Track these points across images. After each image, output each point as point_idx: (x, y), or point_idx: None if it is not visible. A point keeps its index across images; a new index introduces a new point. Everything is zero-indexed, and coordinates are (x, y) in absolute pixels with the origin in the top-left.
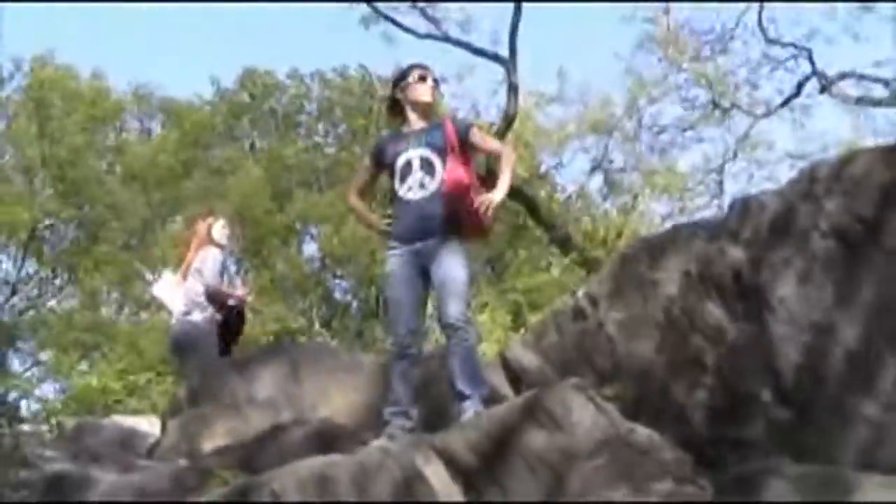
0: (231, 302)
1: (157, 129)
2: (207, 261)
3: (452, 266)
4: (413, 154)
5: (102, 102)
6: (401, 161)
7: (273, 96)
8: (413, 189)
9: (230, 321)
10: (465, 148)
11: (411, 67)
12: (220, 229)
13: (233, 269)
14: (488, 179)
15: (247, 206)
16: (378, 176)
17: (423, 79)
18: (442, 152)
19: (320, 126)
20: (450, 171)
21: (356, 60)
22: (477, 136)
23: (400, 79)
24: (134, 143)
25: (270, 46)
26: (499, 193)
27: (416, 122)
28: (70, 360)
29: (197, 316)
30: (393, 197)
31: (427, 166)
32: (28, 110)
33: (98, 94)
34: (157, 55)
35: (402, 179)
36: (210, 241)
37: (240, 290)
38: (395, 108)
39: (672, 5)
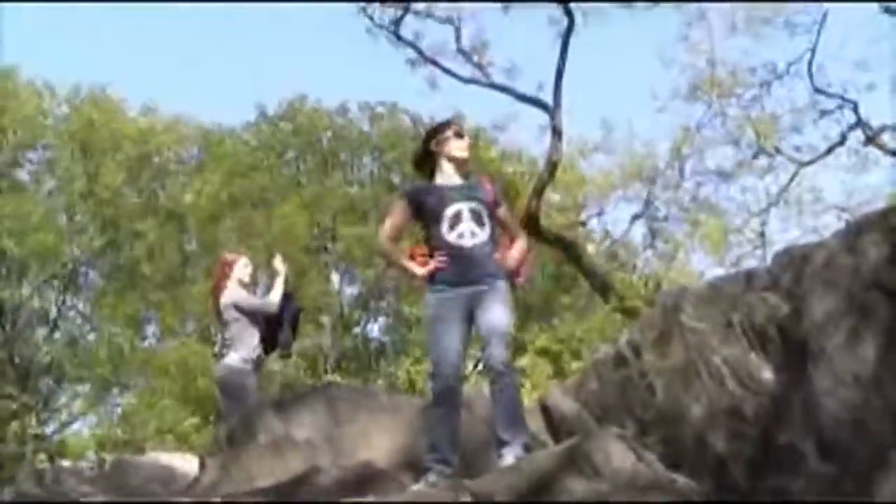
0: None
1: (198, 160)
2: (236, 299)
3: (499, 311)
4: (463, 206)
5: (147, 142)
6: (449, 211)
7: (319, 129)
8: (465, 236)
9: (286, 316)
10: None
11: (448, 123)
12: (241, 268)
13: None
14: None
15: (284, 243)
16: (409, 219)
17: (459, 135)
18: (487, 207)
19: (365, 161)
20: (493, 232)
21: (400, 97)
22: (505, 209)
23: (435, 132)
24: (174, 182)
25: (310, 74)
26: (516, 256)
27: (451, 175)
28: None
29: (231, 357)
30: (439, 244)
31: (476, 217)
32: (74, 147)
33: (143, 134)
34: (194, 76)
35: (452, 227)
36: (228, 280)
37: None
38: (425, 161)
39: (717, 49)
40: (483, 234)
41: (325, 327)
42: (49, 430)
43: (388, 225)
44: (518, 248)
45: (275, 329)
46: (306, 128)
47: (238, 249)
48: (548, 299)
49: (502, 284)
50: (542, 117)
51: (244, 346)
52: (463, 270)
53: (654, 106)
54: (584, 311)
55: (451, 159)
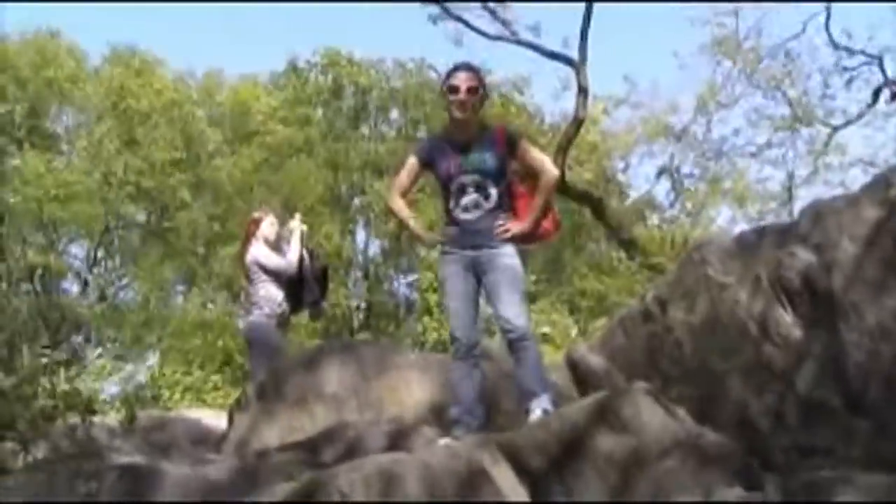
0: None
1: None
2: (258, 257)
3: (507, 275)
4: (466, 179)
5: (182, 108)
6: (454, 185)
7: (352, 82)
8: (469, 209)
9: (306, 274)
10: (513, 157)
11: (448, 75)
12: (267, 226)
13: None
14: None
15: (299, 195)
16: (421, 176)
17: (453, 90)
18: (493, 175)
19: (392, 114)
20: (501, 194)
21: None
22: (523, 151)
23: (442, 83)
24: (209, 153)
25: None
26: (523, 225)
27: (456, 132)
28: (140, 351)
29: (255, 314)
30: (447, 212)
31: (480, 189)
32: (109, 114)
33: (176, 104)
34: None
35: (457, 200)
36: (254, 238)
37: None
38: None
39: (739, 8)
40: (488, 205)
41: (350, 284)
42: (80, 386)
43: (398, 181)
44: (536, 207)
45: (298, 288)
46: (336, 81)
47: (265, 208)
48: (563, 255)
49: (508, 249)
50: (560, 77)
51: (268, 303)
52: (466, 238)
53: (677, 64)
54: (601, 268)
55: (451, 118)
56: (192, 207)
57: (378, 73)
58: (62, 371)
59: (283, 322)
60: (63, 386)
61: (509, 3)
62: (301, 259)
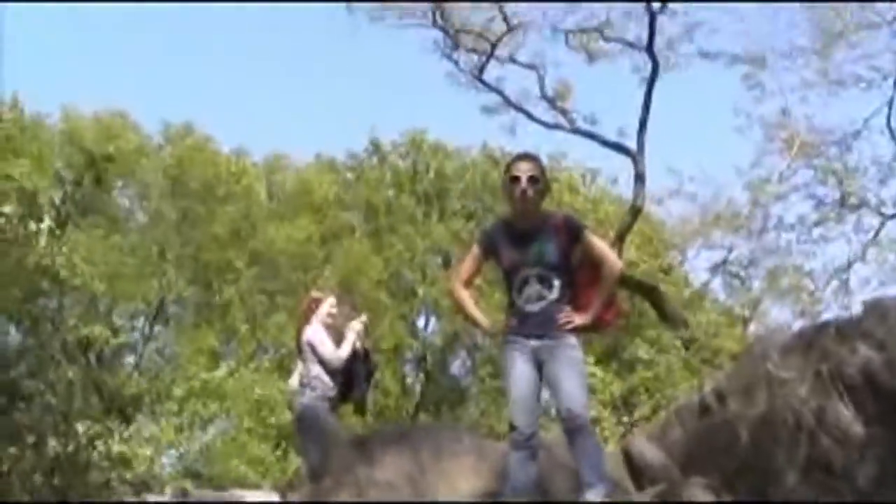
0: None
1: (288, 202)
2: (313, 340)
3: (568, 364)
4: (530, 272)
5: (239, 182)
6: (517, 277)
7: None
8: (531, 301)
9: (358, 367)
10: (575, 247)
11: (509, 164)
12: (327, 308)
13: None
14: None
15: (355, 280)
16: (484, 265)
17: (515, 180)
18: (556, 267)
19: (470, 204)
20: (564, 284)
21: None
22: (586, 242)
23: (504, 171)
24: (265, 224)
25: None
26: (585, 318)
27: (518, 221)
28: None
29: (308, 395)
30: (510, 302)
31: (543, 281)
32: (166, 188)
33: (235, 176)
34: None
35: (520, 291)
36: (311, 318)
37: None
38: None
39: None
40: (551, 296)
41: (408, 370)
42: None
43: (462, 269)
44: (599, 298)
45: (346, 381)
46: (416, 165)
47: (325, 289)
48: (618, 346)
49: (570, 340)
50: (615, 168)
51: (321, 385)
52: (529, 328)
53: (737, 173)
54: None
55: (512, 208)
56: (244, 277)
57: (461, 160)
58: (117, 437)
59: (334, 406)
60: (118, 447)
61: (567, 94)
62: (355, 354)
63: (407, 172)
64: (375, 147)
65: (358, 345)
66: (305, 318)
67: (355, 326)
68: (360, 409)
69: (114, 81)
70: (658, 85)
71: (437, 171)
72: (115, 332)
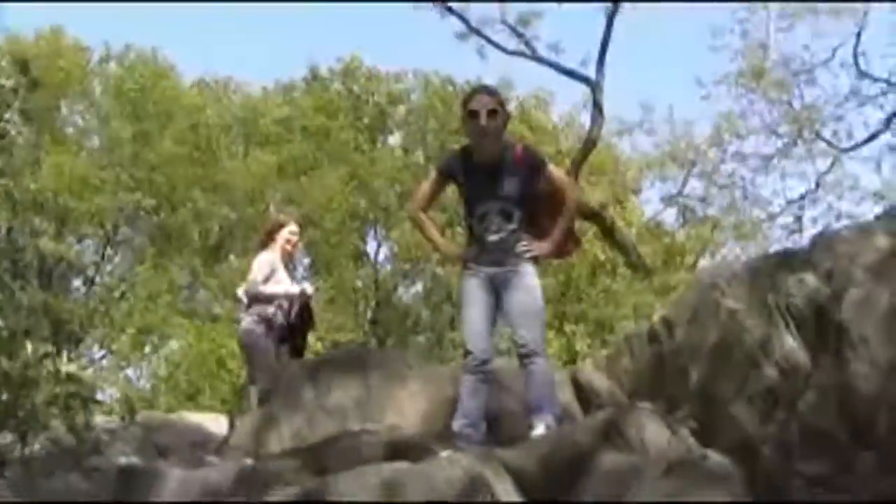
0: (285, 294)
1: (241, 128)
2: (254, 265)
3: (525, 294)
4: (491, 205)
5: (200, 112)
6: (479, 209)
7: (373, 93)
8: (490, 231)
9: (294, 321)
10: (535, 179)
11: (467, 98)
12: (287, 234)
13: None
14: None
15: (322, 212)
16: (443, 190)
17: (473, 114)
18: (516, 199)
19: (415, 129)
20: (523, 215)
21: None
22: (547, 175)
23: (462, 105)
24: (222, 153)
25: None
26: (546, 246)
27: (478, 153)
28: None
29: (245, 320)
30: (469, 230)
31: (504, 213)
32: (124, 110)
33: (195, 108)
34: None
35: (480, 221)
36: (266, 245)
37: (293, 289)
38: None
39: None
40: (511, 226)
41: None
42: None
43: (421, 193)
44: (559, 229)
45: (293, 332)
46: (358, 92)
47: (289, 211)
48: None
49: (528, 268)
50: (574, 97)
51: (255, 313)
52: (489, 256)
53: (695, 92)
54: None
55: (472, 142)
56: (200, 206)
57: (400, 86)
58: (66, 358)
59: (282, 338)
60: (67, 367)
61: (532, 20)
62: (298, 316)
63: (348, 99)
64: (315, 76)
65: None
66: (266, 240)
67: (307, 289)
68: (297, 355)
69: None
70: (630, 17)
71: (379, 98)
72: (70, 249)
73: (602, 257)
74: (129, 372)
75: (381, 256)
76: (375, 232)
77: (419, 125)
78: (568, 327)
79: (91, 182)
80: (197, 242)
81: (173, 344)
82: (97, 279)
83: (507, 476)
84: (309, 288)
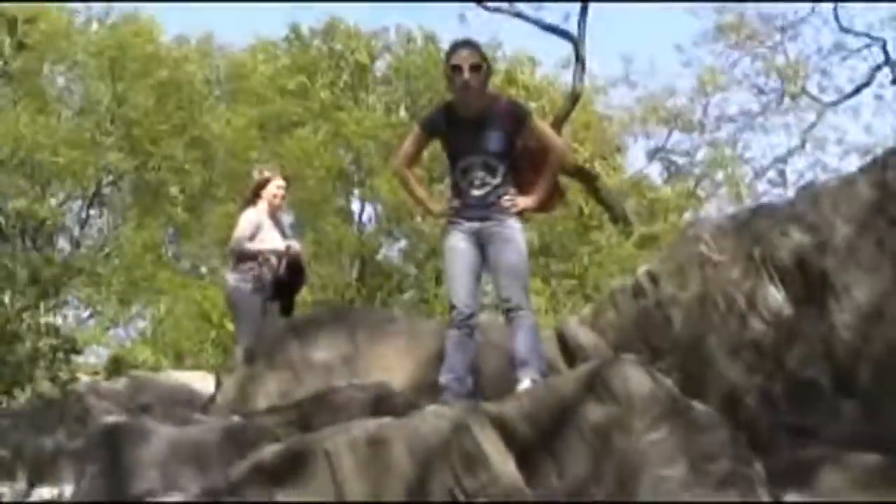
0: (272, 251)
1: (224, 87)
2: (240, 221)
3: (510, 249)
4: (475, 159)
5: (178, 68)
6: (462, 163)
7: (354, 50)
8: (475, 186)
9: (282, 278)
10: (520, 133)
11: (449, 53)
12: (273, 189)
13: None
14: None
15: (304, 168)
16: (426, 146)
17: (457, 69)
18: (501, 154)
19: (396, 86)
20: (508, 169)
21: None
22: (532, 128)
23: (445, 60)
24: (203, 110)
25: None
26: (531, 200)
27: (462, 108)
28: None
29: (232, 278)
30: (454, 185)
31: (488, 167)
32: (103, 66)
33: (175, 61)
34: None
35: (464, 176)
36: (252, 201)
37: (280, 245)
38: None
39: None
40: (495, 181)
41: (346, 263)
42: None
43: (404, 150)
44: (543, 183)
45: (280, 288)
46: (340, 50)
47: (274, 166)
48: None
49: (512, 223)
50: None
51: (241, 270)
52: (473, 211)
53: (677, 51)
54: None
55: (455, 96)
56: (180, 162)
57: (380, 43)
58: (47, 311)
59: (270, 295)
60: (44, 318)
61: None
62: (287, 266)
63: (330, 57)
64: (297, 34)
65: (285, 244)
66: (253, 196)
67: (294, 245)
68: (287, 313)
69: None
70: None
71: (360, 56)
72: (53, 211)
73: (587, 211)
74: (116, 332)
75: (365, 216)
76: (359, 191)
77: (402, 82)
78: (554, 281)
79: (71, 141)
80: (178, 199)
81: (160, 304)
82: (81, 241)
83: (493, 428)
84: (296, 244)
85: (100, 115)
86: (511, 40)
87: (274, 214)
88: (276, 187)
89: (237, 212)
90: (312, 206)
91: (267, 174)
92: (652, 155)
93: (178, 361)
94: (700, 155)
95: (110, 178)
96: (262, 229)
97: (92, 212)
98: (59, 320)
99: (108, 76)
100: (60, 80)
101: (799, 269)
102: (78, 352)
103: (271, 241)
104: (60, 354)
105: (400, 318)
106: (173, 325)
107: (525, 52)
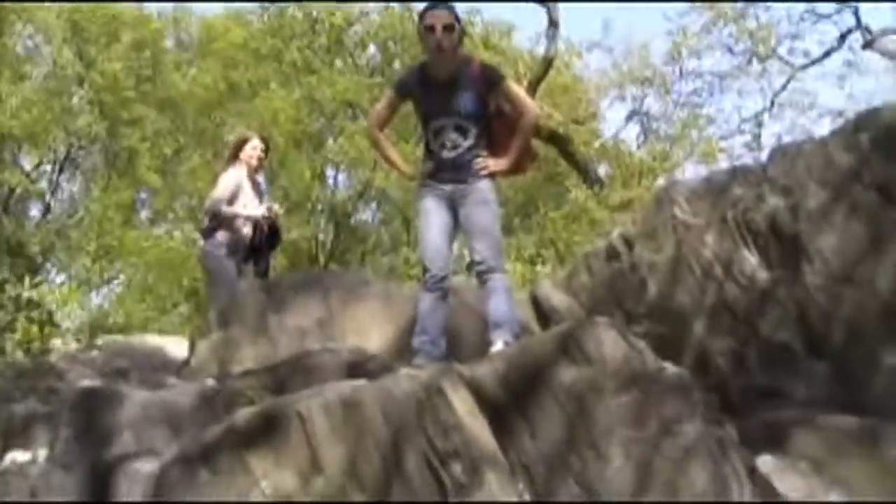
0: (249, 216)
1: (195, 49)
2: (219, 182)
3: (482, 211)
4: (447, 121)
5: (143, 28)
6: (434, 124)
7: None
8: (447, 148)
9: (258, 241)
10: (493, 95)
11: (423, 14)
12: (249, 150)
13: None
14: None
15: (271, 130)
16: (399, 108)
17: (430, 29)
18: (473, 116)
19: (371, 52)
20: (480, 132)
21: None
22: (505, 90)
23: (418, 20)
24: (171, 70)
25: None
26: (503, 163)
27: (435, 69)
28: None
29: (208, 242)
30: (426, 147)
31: (460, 129)
32: (65, 31)
33: (139, 21)
34: None
35: (436, 138)
36: (231, 162)
37: (257, 212)
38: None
39: None
40: (467, 143)
41: (318, 221)
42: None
43: (377, 112)
44: (516, 146)
45: (254, 252)
46: (315, 16)
47: (251, 128)
48: (537, 201)
49: (485, 185)
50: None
51: (215, 234)
52: (445, 173)
53: (657, 16)
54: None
55: (429, 57)
56: (149, 122)
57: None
58: (27, 284)
59: (244, 257)
60: (26, 292)
61: None
62: (260, 228)
63: (305, 22)
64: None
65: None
66: (232, 158)
67: (274, 208)
68: (263, 275)
69: None
70: None
71: (336, 24)
72: (28, 176)
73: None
74: (90, 297)
75: (339, 181)
76: (330, 155)
77: (378, 46)
78: (528, 239)
79: (39, 103)
80: (149, 161)
81: (132, 268)
82: (53, 206)
83: (466, 390)
84: (275, 206)
85: (68, 79)
86: (491, 10)
87: (252, 176)
88: (251, 148)
89: (218, 172)
90: (282, 168)
91: (245, 133)
92: (628, 117)
93: (153, 325)
94: (675, 117)
95: (81, 142)
96: (241, 191)
97: (63, 176)
98: (42, 290)
99: (74, 40)
100: (29, 44)
101: (773, 232)
102: (54, 324)
103: (250, 205)
104: (35, 326)
105: (374, 282)
106: (148, 285)
107: (502, 19)
